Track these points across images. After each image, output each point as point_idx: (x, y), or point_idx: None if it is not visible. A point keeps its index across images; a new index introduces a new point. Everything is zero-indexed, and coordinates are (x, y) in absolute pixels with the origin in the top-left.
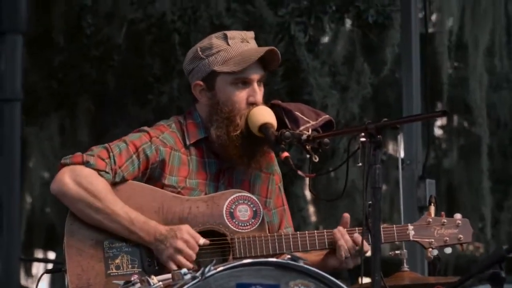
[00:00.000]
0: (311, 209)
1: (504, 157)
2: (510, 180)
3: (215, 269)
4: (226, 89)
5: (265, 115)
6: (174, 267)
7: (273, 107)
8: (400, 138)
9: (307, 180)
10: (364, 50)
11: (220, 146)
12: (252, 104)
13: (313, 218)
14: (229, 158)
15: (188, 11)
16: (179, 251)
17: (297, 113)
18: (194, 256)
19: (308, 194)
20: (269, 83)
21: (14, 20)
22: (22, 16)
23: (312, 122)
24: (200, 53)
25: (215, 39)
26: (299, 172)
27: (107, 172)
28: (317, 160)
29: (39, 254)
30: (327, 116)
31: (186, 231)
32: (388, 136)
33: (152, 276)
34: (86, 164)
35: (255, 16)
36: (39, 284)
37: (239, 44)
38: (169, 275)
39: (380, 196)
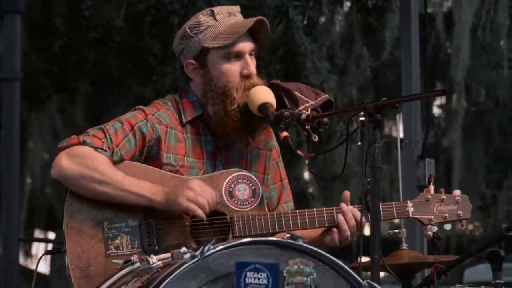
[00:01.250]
0: (311, 189)
1: (503, 137)
2: (509, 160)
3: (215, 248)
4: (218, 64)
5: (264, 94)
6: (193, 207)
7: (272, 86)
8: (399, 118)
9: (304, 162)
10: (363, 33)
11: (218, 122)
12: (246, 77)
13: (310, 198)
14: (227, 134)
15: None
16: (192, 189)
17: (296, 93)
18: (208, 193)
19: (306, 175)
20: (270, 63)
21: (13, 1)
22: None
23: (311, 102)
24: (189, 31)
25: (202, 16)
26: (298, 152)
27: (104, 150)
28: (316, 139)
29: (39, 234)
30: (326, 96)
31: (193, 178)
32: (387, 116)
33: (152, 256)
34: (83, 143)
35: None
36: (39, 265)
37: (227, 19)
38: (168, 254)
39: (380, 176)
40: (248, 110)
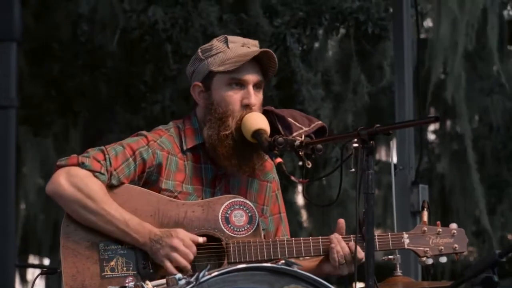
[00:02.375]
0: (304, 215)
1: (497, 162)
2: (503, 185)
3: (209, 274)
4: (221, 89)
5: (258, 121)
6: (169, 266)
7: (266, 113)
8: (393, 143)
9: (299, 187)
10: (360, 61)
11: (210, 146)
12: (246, 106)
13: (306, 224)
14: (218, 159)
15: (180, 20)
16: (175, 249)
17: (290, 119)
18: (190, 255)
19: (300, 201)
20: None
21: (8, 28)
22: (16, 24)
23: (305, 128)
24: (200, 54)
25: (216, 42)
26: (293, 178)
27: (102, 173)
28: (310, 166)
29: (33, 260)
30: (320, 122)
31: (181, 231)
32: (380, 141)
33: (147, 282)
34: (82, 165)
35: (249, 25)
36: (35, 285)
37: (239, 48)
38: (163, 280)
39: (373, 202)
40: (242, 138)
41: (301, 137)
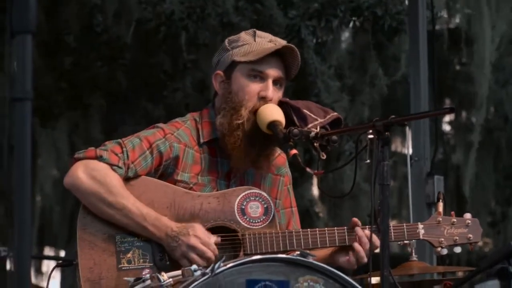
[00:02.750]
0: (320, 206)
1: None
2: None
3: (225, 265)
4: (241, 79)
5: (273, 112)
6: (188, 264)
7: (281, 104)
8: (408, 135)
9: (314, 180)
10: (377, 53)
11: (221, 134)
12: (262, 99)
13: (322, 215)
14: (227, 151)
15: (197, 9)
16: (192, 248)
17: (305, 110)
18: (208, 253)
19: (315, 194)
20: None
21: (24, 20)
22: (31, 17)
23: (320, 120)
24: (227, 44)
25: (244, 34)
26: (308, 169)
27: (120, 167)
28: (324, 157)
29: (49, 252)
30: (335, 113)
31: (199, 228)
32: (395, 133)
33: (162, 273)
34: (100, 158)
35: (264, 15)
36: (51, 280)
37: (265, 42)
38: (179, 272)
39: (389, 193)
40: (253, 130)
41: (316, 129)
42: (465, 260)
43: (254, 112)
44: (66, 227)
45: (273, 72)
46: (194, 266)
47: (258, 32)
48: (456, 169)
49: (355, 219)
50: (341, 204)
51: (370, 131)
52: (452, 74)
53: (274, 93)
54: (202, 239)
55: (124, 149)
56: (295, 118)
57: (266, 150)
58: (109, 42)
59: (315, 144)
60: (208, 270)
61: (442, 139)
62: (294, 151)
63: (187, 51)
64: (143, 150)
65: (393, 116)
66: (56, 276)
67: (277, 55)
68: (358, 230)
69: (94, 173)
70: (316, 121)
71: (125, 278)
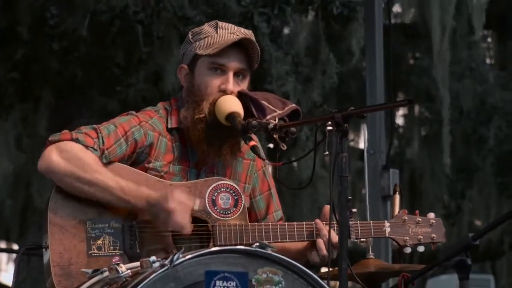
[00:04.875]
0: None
1: (467, 146)
2: (472, 169)
3: (184, 256)
4: (203, 72)
5: (231, 104)
6: (171, 228)
7: (240, 96)
8: (364, 128)
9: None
10: (328, 41)
11: (185, 128)
12: (223, 92)
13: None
14: (193, 144)
15: (151, 2)
16: (173, 211)
17: (263, 102)
18: (188, 217)
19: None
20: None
21: None
22: None
23: (279, 111)
24: (190, 37)
25: (206, 26)
26: (267, 161)
27: (95, 150)
28: (285, 148)
29: (2, 246)
30: (294, 105)
31: (178, 193)
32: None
33: (121, 264)
34: (75, 140)
35: (218, 6)
36: (2, 273)
37: (227, 34)
38: (137, 263)
39: (347, 185)
40: (215, 122)
41: (275, 120)
42: (418, 257)
43: (215, 104)
44: (18, 221)
45: (233, 64)
46: (152, 258)
47: (221, 24)
48: (410, 163)
49: (327, 206)
50: (299, 193)
51: (329, 122)
52: (406, 68)
53: (235, 85)
54: (183, 203)
55: (100, 134)
56: (253, 109)
57: (228, 142)
58: (63, 35)
59: (274, 136)
60: (166, 262)
61: (397, 133)
62: (253, 143)
63: (144, 42)
64: (118, 137)
65: (352, 108)
66: (9, 269)
67: (239, 47)
68: (318, 222)
69: (67, 154)
70: (275, 112)
71: (83, 270)
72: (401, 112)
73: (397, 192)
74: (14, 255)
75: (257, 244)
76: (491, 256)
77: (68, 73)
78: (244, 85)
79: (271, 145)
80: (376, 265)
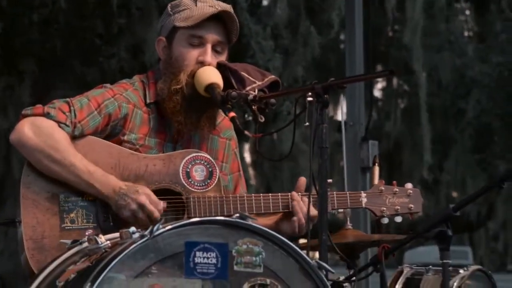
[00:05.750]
0: (251, 172)
1: (445, 119)
2: (450, 141)
3: (164, 227)
4: (181, 45)
5: (211, 75)
6: (133, 222)
7: (219, 67)
8: (343, 100)
9: (246, 145)
10: (308, 13)
11: (161, 100)
12: (201, 63)
13: (253, 182)
14: (168, 115)
15: None
16: (142, 206)
17: (243, 73)
18: (156, 213)
19: (247, 157)
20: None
21: None
22: None
23: (258, 83)
24: (169, 9)
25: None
26: (246, 132)
27: (67, 125)
28: (263, 120)
29: None
30: (273, 76)
31: (146, 188)
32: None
33: (100, 235)
34: (47, 115)
35: None
36: None
37: (206, 7)
38: (117, 234)
39: (327, 156)
40: (192, 94)
41: (255, 91)
42: (395, 228)
43: (193, 76)
44: None
45: (211, 36)
46: (132, 228)
47: None
48: (388, 135)
49: (303, 178)
50: (280, 166)
51: (309, 93)
52: (384, 41)
53: (213, 58)
54: (151, 197)
55: (72, 108)
56: (233, 80)
57: (206, 113)
58: (42, 7)
59: (253, 107)
60: (146, 232)
61: (376, 106)
62: (232, 114)
63: (118, 15)
64: (91, 110)
65: (332, 79)
66: None
67: (218, 20)
68: (294, 194)
69: (40, 130)
70: (254, 83)
71: (62, 241)
72: (379, 85)
73: (376, 164)
74: None
75: (238, 215)
76: (469, 228)
77: (49, 45)
78: (222, 58)
79: (249, 118)
80: (355, 235)
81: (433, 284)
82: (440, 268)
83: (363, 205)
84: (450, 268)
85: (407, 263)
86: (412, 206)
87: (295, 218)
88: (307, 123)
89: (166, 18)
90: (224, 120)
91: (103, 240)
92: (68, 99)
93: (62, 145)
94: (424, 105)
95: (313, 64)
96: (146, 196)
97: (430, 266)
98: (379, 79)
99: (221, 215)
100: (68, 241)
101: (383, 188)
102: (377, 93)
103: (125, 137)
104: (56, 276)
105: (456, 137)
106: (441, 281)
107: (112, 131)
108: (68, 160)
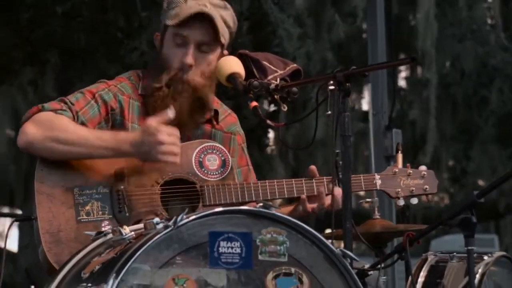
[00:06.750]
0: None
1: (468, 108)
2: (473, 130)
3: (187, 218)
4: (168, 43)
5: (233, 64)
6: (171, 159)
7: (240, 56)
8: (368, 89)
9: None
10: (332, 1)
11: (146, 96)
12: (181, 65)
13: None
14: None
15: None
16: (162, 142)
17: (264, 62)
18: (177, 140)
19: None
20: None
21: None
22: None
23: (280, 72)
24: (165, 5)
25: None
26: (268, 122)
27: (65, 110)
28: (285, 109)
29: (4, 211)
30: (295, 65)
31: (153, 125)
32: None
33: (124, 226)
34: (42, 109)
35: None
36: (8, 239)
37: (195, 5)
38: (141, 225)
39: (350, 144)
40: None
41: (276, 80)
42: (421, 216)
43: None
44: (22, 186)
45: (195, 36)
46: (156, 219)
47: None
48: (413, 124)
49: (313, 167)
50: (313, 152)
51: (331, 82)
52: (407, 30)
53: (198, 59)
54: (164, 129)
55: (67, 100)
56: (254, 70)
57: (190, 113)
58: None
59: (275, 96)
60: (170, 223)
61: (400, 95)
62: (254, 103)
63: (142, 9)
64: (87, 100)
65: (354, 67)
66: (14, 234)
67: (204, 19)
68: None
69: (39, 123)
70: (276, 72)
71: (86, 232)
72: (403, 74)
73: (399, 151)
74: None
75: (261, 204)
76: (495, 216)
77: (72, 38)
78: (209, 59)
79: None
80: (382, 225)
81: (458, 271)
82: (465, 255)
83: (378, 187)
84: (475, 255)
85: (433, 251)
86: (427, 187)
87: (303, 197)
88: (329, 112)
89: (163, 14)
90: (228, 116)
91: (128, 231)
92: (61, 98)
93: (64, 125)
94: (447, 95)
95: (336, 53)
96: (160, 132)
97: (455, 253)
98: (403, 68)
99: (236, 203)
100: (93, 233)
101: (396, 170)
102: (401, 82)
103: (130, 129)
104: (81, 268)
105: (481, 125)
106: (465, 267)
107: (114, 121)
108: (75, 134)
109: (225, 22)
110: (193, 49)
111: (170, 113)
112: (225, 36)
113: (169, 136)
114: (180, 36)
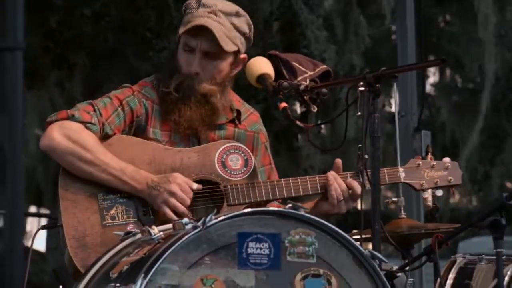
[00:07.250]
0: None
1: (497, 112)
2: (502, 135)
3: (216, 218)
4: (180, 50)
5: (262, 65)
6: (168, 211)
7: (270, 57)
8: (396, 90)
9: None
10: (359, 3)
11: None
12: (190, 71)
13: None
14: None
15: None
16: (173, 194)
17: (294, 63)
18: (188, 201)
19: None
20: (264, 37)
21: None
22: None
23: (310, 73)
24: (183, 9)
25: (191, 1)
26: (297, 122)
27: (94, 124)
28: (315, 110)
29: (32, 210)
30: (325, 66)
31: (179, 176)
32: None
33: (153, 226)
34: (72, 118)
35: None
36: (36, 240)
37: (204, 13)
38: (170, 225)
39: (379, 145)
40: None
41: (306, 82)
42: (448, 217)
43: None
44: (50, 186)
45: (199, 45)
46: (185, 219)
47: (204, 1)
48: (441, 128)
49: (338, 160)
50: (347, 152)
51: (361, 83)
52: (437, 32)
53: (207, 65)
54: (182, 186)
55: (96, 107)
56: (284, 71)
57: (201, 114)
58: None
59: (305, 97)
60: (199, 223)
61: (427, 99)
62: (283, 104)
63: (175, 9)
64: (114, 107)
65: (383, 68)
66: (41, 236)
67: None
68: (328, 174)
69: (68, 132)
70: (306, 74)
71: (116, 232)
72: (431, 80)
73: (429, 153)
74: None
75: (290, 205)
76: None
77: (100, 38)
78: (219, 66)
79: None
80: (409, 224)
81: (487, 273)
82: (493, 257)
83: (402, 180)
84: (504, 257)
85: (461, 253)
86: (452, 178)
87: (331, 194)
88: (359, 113)
89: (183, 18)
90: (250, 114)
91: (156, 231)
92: (90, 101)
93: (91, 145)
94: (477, 99)
95: (367, 54)
96: (176, 185)
97: (483, 255)
98: (432, 70)
99: (260, 201)
100: (121, 233)
101: (420, 163)
102: (430, 87)
103: (150, 135)
104: (109, 268)
105: (509, 130)
106: (494, 270)
107: (138, 127)
108: (99, 159)
109: (238, 29)
110: (200, 58)
111: (194, 186)
112: (236, 43)
113: (182, 191)
114: (187, 44)
